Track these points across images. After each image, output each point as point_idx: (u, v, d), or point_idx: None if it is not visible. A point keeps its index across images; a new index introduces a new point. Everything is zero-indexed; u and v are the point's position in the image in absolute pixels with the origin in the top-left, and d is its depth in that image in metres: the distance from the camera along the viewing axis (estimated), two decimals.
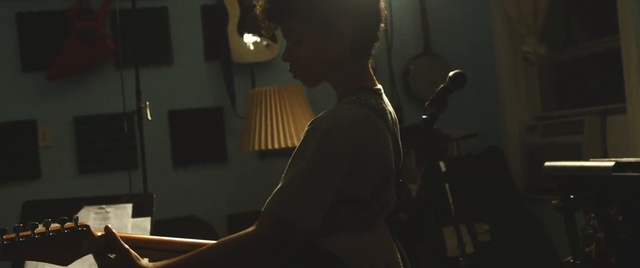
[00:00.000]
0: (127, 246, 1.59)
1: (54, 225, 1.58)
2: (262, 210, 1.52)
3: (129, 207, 2.67)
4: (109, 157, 4.10)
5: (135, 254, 1.58)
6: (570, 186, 2.19)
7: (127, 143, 4.02)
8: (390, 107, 1.71)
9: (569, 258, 2.17)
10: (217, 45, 4.22)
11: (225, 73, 4.21)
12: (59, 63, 3.97)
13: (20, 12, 4.02)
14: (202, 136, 4.25)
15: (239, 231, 1.55)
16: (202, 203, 4.21)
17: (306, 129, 1.57)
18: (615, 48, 3.66)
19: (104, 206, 2.68)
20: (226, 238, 1.56)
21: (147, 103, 3.54)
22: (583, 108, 4.10)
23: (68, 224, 1.60)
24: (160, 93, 4.10)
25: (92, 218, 2.66)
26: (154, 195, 2.73)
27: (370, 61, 1.71)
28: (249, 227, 1.54)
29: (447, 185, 3.43)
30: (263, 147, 3.75)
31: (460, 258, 3.41)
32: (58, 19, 4.00)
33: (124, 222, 2.65)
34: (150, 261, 1.60)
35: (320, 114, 1.59)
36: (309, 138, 1.54)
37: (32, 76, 4.02)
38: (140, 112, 3.54)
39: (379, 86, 1.71)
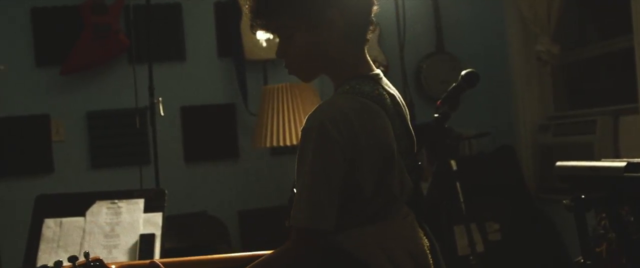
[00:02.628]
0: None
1: (66, 264, 1.61)
2: (291, 224, 1.55)
3: (141, 202, 2.69)
4: (121, 152, 4.12)
5: None
6: (581, 186, 2.19)
7: (139, 138, 4.04)
8: (392, 90, 1.68)
9: (580, 258, 2.17)
10: (230, 41, 4.23)
11: (238, 69, 4.22)
12: (73, 58, 4.00)
13: (34, 7, 4.05)
14: (214, 132, 4.26)
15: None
16: (213, 199, 4.23)
17: (302, 128, 1.56)
18: (628, 48, 3.65)
19: (116, 201, 2.69)
20: (267, 256, 1.59)
21: (160, 99, 3.56)
22: (595, 108, 4.09)
23: (80, 261, 1.63)
24: (172, 89, 4.12)
25: (104, 213, 2.68)
26: (166, 191, 2.74)
27: (368, 50, 1.70)
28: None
29: (458, 184, 3.43)
30: (275, 143, 3.75)
31: (471, 257, 3.41)
32: (72, 15, 4.03)
33: (136, 217, 2.67)
34: None
35: (314, 109, 1.57)
36: (306, 139, 1.53)
37: (45, 71, 4.05)
38: (152, 107, 3.56)
39: (377, 71, 1.68)
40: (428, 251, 1.66)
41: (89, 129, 4.11)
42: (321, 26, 1.61)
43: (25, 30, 4.04)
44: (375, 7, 1.67)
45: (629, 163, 1.98)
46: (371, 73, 1.66)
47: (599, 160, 2.26)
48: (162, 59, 4.11)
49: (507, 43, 4.58)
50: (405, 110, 1.70)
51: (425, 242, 1.68)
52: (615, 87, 4.19)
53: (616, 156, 3.71)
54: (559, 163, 2.30)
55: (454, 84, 2.44)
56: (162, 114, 3.55)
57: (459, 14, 4.59)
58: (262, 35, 4.76)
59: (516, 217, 4.18)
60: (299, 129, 3.72)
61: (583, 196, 2.10)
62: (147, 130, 3.73)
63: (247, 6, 1.66)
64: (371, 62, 1.69)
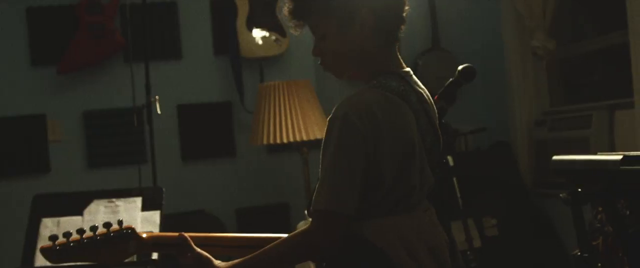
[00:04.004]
0: (198, 249, 1.72)
1: (101, 229, 1.70)
2: (311, 209, 1.62)
3: (138, 201, 2.69)
4: (119, 151, 4.12)
5: (207, 255, 1.71)
6: (578, 180, 2.20)
7: (136, 137, 4.04)
8: (420, 88, 1.75)
9: (576, 251, 2.18)
10: (226, 40, 4.24)
11: (234, 67, 4.22)
12: (69, 57, 4.00)
13: (30, 6, 4.04)
14: (211, 130, 4.27)
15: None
16: (211, 197, 4.23)
17: (328, 118, 1.63)
18: (623, 43, 3.66)
19: (113, 200, 2.70)
20: (287, 238, 1.67)
21: (157, 97, 3.56)
22: (591, 103, 4.10)
23: (114, 227, 1.71)
24: (169, 87, 4.12)
25: (102, 211, 2.68)
26: (163, 189, 2.75)
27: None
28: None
29: (455, 179, 3.44)
30: (272, 141, 3.76)
31: (468, 252, 3.43)
32: (68, 14, 4.03)
33: (134, 216, 2.67)
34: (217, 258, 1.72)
35: (340, 102, 1.64)
36: (331, 128, 1.61)
37: (41, 70, 4.05)
38: (149, 106, 3.56)
39: (407, 69, 1.75)
40: (446, 245, 1.72)
41: (85, 129, 4.11)
42: (353, 25, 1.69)
43: (20, 29, 4.03)
44: (406, 7, 1.76)
45: (625, 157, 1.99)
46: (401, 70, 1.74)
47: (595, 154, 2.27)
48: (159, 58, 4.11)
49: (503, 39, 4.59)
50: (433, 108, 1.79)
51: (444, 236, 1.73)
52: (610, 82, 4.20)
53: (612, 150, 3.72)
54: (555, 157, 2.31)
55: (450, 79, 2.44)
56: (159, 112, 3.56)
57: (455, 10, 4.60)
58: (259, 33, 4.77)
59: (513, 212, 4.20)
60: (296, 126, 3.75)
61: (579, 190, 2.11)
62: (144, 129, 3.74)
63: (285, 8, 1.75)
64: (401, 60, 1.76)
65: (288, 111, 3.75)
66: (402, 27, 1.75)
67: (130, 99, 3.61)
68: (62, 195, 2.81)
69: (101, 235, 1.70)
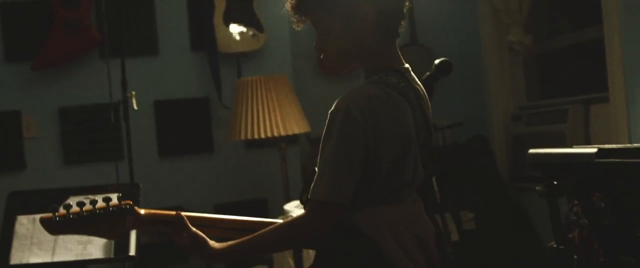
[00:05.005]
0: (194, 229, 1.74)
1: (100, 203, 1.73)
2: (309, 197, 1.65)
3: (115, 197, 2.67)
4: (95, 147, 4.09)
5: (203, 236, 1.73)
6: (554, 173, 2.22)
7: (112, 133, 4.01)
8: (417, 85, 1.79)
9: (552, 243, 2.20)
10: (203, 35, 4.22)
11: (211, 63, 4.20)
12: (44, 53, 3.95)
13: (4, 1, 3.99)
14: (188, 126, 4.24)
15: None
16: (189, 193, 4.21)
17: (330, 111, 1.65)
18: (598, 38, 3.69)
19: (90, 196, 2.67)
20: (283, 223, 1.72)
21: (133, 93, 3.53)
22: (567, 97, 4.14)
23: (113, 202, 1.73)
24: (146, 83, 4.09)
25: None
26: (141, 185, 2.72)
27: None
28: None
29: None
30: (249, 136, 3.75)
31: (446, 246, 3.44)
32: (42, 9, 3.98)
33: None
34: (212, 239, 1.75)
35: (342, 95, 1.67)
36: (332, 121, 1.64)
37: (16, 66, 4.00)
38: (126, 102, 3.54)
39: (406, 65, 1.79)
40: (433, 236, 1.77)
41: (61, 125, 4.07)
42: (355, 21, 1.72)
43: None
44: (407, 3, 1.78)
45: (600, 150, 2.01)
46: (401, 67, 1.77)
47: (570, 148, 2.29)
48: (135, 53, 4.08)
49: (480, 34, 4.62)
50: (428, 105, 1.82)
51: (432, 228, 1.78)
52: (586, 77, 4.24)
53: (587, 144, 3.76)
54: (531, 150, 2.32)
55: (427, 73, 2.45)
56: (136, 108, 3.53)
57: (432, 6, 4.62)
58: (236, 29, 4.75)
59: (490, 206, 4.23)
60: (274, 121, 3.74)
61: (555, 183, 2.13)
62: (121, 125, 3.71)
63: (288, 3, 1.78)
64: (401, 57, 1.79)
65: (266, 106, 3.74)
66: (403, 22, 1.78)
67: (107, 95, 3.57)
68: (38, 192, 2.79)
69: (100, 209, 1.73)
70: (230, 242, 1.73)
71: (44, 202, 2.66)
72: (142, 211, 1.77)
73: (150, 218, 1.78)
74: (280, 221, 1.77)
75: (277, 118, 3.74)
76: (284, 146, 3.85)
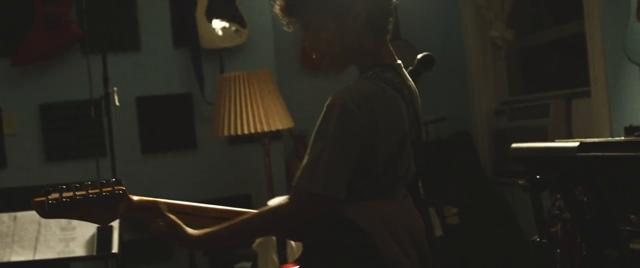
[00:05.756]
0: (172, 215, 1.73)
1: (93, 188, 1.72)
2: (293, 185, 1.65)
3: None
4: (76, 144, 4.05)
5: (179, 222, 1.73)
6: (536, 167, 2.23)
7: (94, 130, 3.98)
8: (410, 82, 1.81)
9: (536, 237, 2.21)
10: (186, 30, 4.19)
11: (194, 59, 4.18)
12: (24, 49, 3.91)
13: None
14: (171, 122, 4.22)
15: None
16: (172, 190, 4.19)
17: (325, 105, 1.65)
18: (580, 33, 3.71)
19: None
20: (263, 210, 1.71)
21: (115, 89, 3.51)
22: (549, 92, 4.16)
23: (106, 188, 1.73)
24: (128, 79, 4.06)
25: None
26: (123, 182, 2.70)
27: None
28: None
29: None
30: (232, 132, 3.74)
31: None
32: (23, 4, 3.94)
33: None
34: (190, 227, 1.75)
35: (339, 90, 1.67)
36: (328, 114, 1.64)
37: None
38: (107, 98, 3.51)
39: (399, 61, 1.80)
40: (424, 230, 1.79)
41: (42, 122, 4.03)
42: (346, 19, 1.73)
43: None
44: (395, 0, 1.81)
45: (581, 144, 2.02)
46: (394, 63, 1.79)
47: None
48: (117, 49, 4.04)
49: (462, 29, 4.63)
50: (418, 101, 1.84)
51: (421, 222, 1.80)
52: (567, 72, 4.27)
53: (569, 138, 3.78)
54: (514, 145, 2.34)
55: (410, 68, 2.45)
56: (118, 104, 3.50)
57: (415, 2, 4.62)
58: (218, 24, 4.72)
59: (473, 201, 4.24)
60: (257, 117, 3.73)
61: (538, 177, 2.14)
62: (103, 121, 3.68)
63: (276, 5, 1.78)
64: (393, 52, 1.81)
65: (249, 102, 3.72)
66: (391, 19, 1.79)
67: (88, 91, 3.54)
68: (19, 189, 2.76)
69: (93, 193, 1.72)
70: (208, 229, 1.72)
71: (25, 199, 2.64)
72: (135, 198, 1.77)
73: (142, 205, 1.77)
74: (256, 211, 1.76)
75: (260, 114, 3.73)
76: (267, 142, 3.84)
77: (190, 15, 4.16)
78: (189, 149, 4.25)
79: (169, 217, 1.73)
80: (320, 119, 1.65)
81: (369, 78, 1.71)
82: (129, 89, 4.04)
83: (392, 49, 1.81)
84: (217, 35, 4.16)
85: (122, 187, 1.75)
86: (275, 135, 4.04)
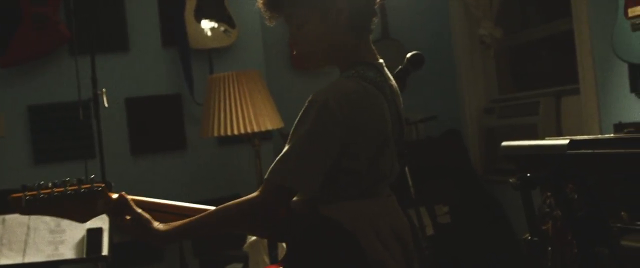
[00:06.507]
0: (139, 209, 1.71)
1: (72, 185, 1.71)
2: (265, 177, 1.62)
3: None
4: (65, 146, 4.03)
5: (147, 217, 1.71)
6: (527, 165, 2.23)
7: (83, 132, 3.95)
8: (392, 81, 1.80)
9: (527, 235, 2.21)
10: (175, 31, 4.18)
11: (183, 59, 4.17)
12: (12, 50, 3.88)
13: None
14: (161, 123, 4.20)
15: None
16: (162, 191, 4.15)
17: (306, 101, 1.64)
18: (568, 30, 3.72)
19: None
20: (232, 203, 1.68)
21: (104, 90, 3.49)
22: (538, 90, 4.17)
23: (85, 185, 1.72)
24: (116, 80, 4.04)
25: None
26: (112, 184, 2.69)
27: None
28: None
29: (406, 168, 3.45)
30: (222, 133, 3.72)
31: (421, 240, 3.45)
32: (10, 4, 3.91)
33: None
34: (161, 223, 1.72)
35: (322, 87, 1.66)
36: (308, 110, 1.63)
37: None
38: (96, 99, 3.49)
39: (381, 61, 1.79)
40: (409, 230, 1.78)
41: (30, 123, 4.01)
42: (329, 15, 1.72)
43: None
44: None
45: (571, 141, 2.03)
46: (376, 62, 1.78)
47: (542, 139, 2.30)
48: (105, 50, 4.02)
49: (451, 28, 4.64)
50: (400, 100, 1.83)
51: (406, 221, 1.80)
52: (556, 69, 4.28)
53: (559, 136, 3.79)
54: (504, 143, 2.34)
55: (400, 67, 2.45)
56: (106, 105, 3.48)
57: (403, 0, 4.62)
58: (207, 24, 4.70)
59: (464, 199, 4.25)
60: (247, 118, 3.72)
61: (528, 175, 2.14)
62: (91, 123, 3.66)
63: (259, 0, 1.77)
64: (375, 51, 1.80)
65: (238, 102, 3.71)
66: (374, 19, 1.78)
67: (76, 92, 3.52)
68: (7, 191, 2.73)
69: (72, 189, 1.70)
70: (176, 223, 1.70)
71: None
72: (115, 195, 1.75)
73: (121, 202, 1.74)
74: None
75: (250, 114, 3.71)
76: (257, 142, 3.83)
77: (178, 15, 4.14)
78: (178, 150, 4.23)
79: (136, 211, 1.71)
80: (299, 114, 1.64)
81: (350, 77, 1.70)
82: (118, 89, 4.02)
83: (374, 47, 1.80)
84: (206, 36, 4.14)
85: (101, 184, 1.73)
86: (265, 135, 4.03)
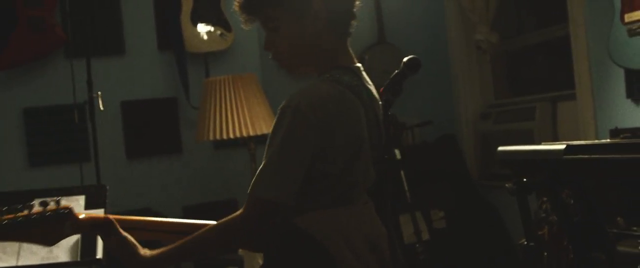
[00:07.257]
0: (125, 233, 1.67)
1: (37, 208, 1.66)
2: (251, 193, 1.59)
3: (81, 199, 2.63)
4: (60, 149, 4.02)
5: (133, 242, 1.66)
6: (523, 170, 2.23)
7: (78, 135, 3.94)
8: (369, 85, 1.77)
9: (523, 240, 2.21)
10: (170, 34, 4.17)
11: (179, 63, 4.16)
12: (7, 53, 3.87)
13: None
14: (156, 127, 4.20)
15: None
16: (157, 195, 4.17)
17: (280, 106, 1.61)
18: (564, 36, 3.73)
19: (55, 198, 2.63)
20: (219, 222, 1.64)
21: (99, 93, 3.48)
22: (534, 95, 4.17)
23: (50, 207, 1.66)
24: (112, 83, 4.03)
25: None
26: (107, 187, 2.68)
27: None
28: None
29: (402, 173, 3.45)
30: (218, 137, 3.72)
31: (417, 245, 3.45)
32: (5, 7, 3.90)
33: None
34: (141, 242, 1.69)
35: (295, 91, 1.62)
36: (281, 117, 1.60)
37: None
38: (92, 102, 3.48)
39: (358, 64, 1.77)
40: (385, 238, 1.73)
41: (26, 126, 3.99)
42: (306, 17, 1.69)
43: None
44: (357, 2, 1.77)
45: (568, 146, 2.03)
46: (353, 66, 1.76)
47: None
48: (101, 53, 4.02)
49: (447, 32, 4.64)
50: (379, 105, 1.79)
51: (383, 229, 1.74)
52: (552, 74, 4.29)
53: (555, 141, 3.79)
54: (500, 148, 2.34)
55: (396, 71, 2.45)
56: (102, 108, 3.48)
57: (400, 5, 4.63)
58: (203, 28, 4.69)
59: (460, 204, 4.25)
60: (242, 121, 3.71)
61: (524, 180, 2.14)
62: (87, 126, 3.65)
63: (235, 2, 1.75)
64: (353, 56, 1.78)
65: (234, 106, 3.71)
66: (353, 22, 1.76)
67: (72, 95, 3.51)
68: (2, 194, 2.72)
69: (36, 213, 1.65)
70: (162, 249, 1.65)
71: (8, 204, 2.61)
72: (82, 215, 1.69)
73: (90, 222, 1.70)
74: (214, 223, 1.69)
75: (246, 118, 3.71)
76: (253, 146, 3.82)
77: (174, 18, 4.14)
78: (174, 154, 4.22)
79: (122, 235, 1.67)
80: (274, 122, 1.61)
81: (325, 80, 1.67)
82: (114, 93, 4.01)
83: (351, 51, 1.78)
84: (202, 39, 4.14)
85: (68, 205, 1.68)
86: (260, 139, 4.02)
